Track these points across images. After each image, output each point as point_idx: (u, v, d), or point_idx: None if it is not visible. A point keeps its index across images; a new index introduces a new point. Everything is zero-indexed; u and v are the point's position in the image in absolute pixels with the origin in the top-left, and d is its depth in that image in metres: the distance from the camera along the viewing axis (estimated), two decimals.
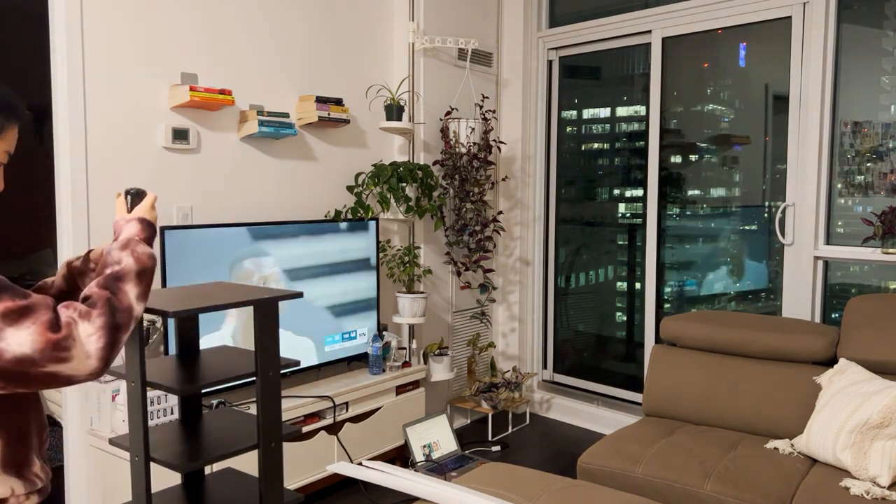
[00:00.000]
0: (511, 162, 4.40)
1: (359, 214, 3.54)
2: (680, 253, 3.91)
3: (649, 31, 3.92)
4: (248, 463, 2.76)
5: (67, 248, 2.70)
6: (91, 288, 1.13)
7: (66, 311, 1.06)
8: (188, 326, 1.72)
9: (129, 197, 1.39)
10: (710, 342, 3.05)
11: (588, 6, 4.20)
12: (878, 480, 2.29)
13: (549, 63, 4.41)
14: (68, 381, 1.05)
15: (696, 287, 3.88)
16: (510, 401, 4.03)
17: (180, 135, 2.96)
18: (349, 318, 3.42)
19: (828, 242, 3.34)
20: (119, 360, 2.75)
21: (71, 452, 2.76)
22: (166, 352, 2.81)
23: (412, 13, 3.83)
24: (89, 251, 1.43)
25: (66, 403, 2.76)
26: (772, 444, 2.67)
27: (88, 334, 1.05)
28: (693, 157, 3.83)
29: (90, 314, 1.07)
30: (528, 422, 4.29)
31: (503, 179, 4.29)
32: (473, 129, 3.81)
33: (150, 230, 1.29)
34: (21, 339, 1.00)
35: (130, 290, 1.14)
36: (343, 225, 3.38)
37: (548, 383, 4.52)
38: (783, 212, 3.46)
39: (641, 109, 4.05)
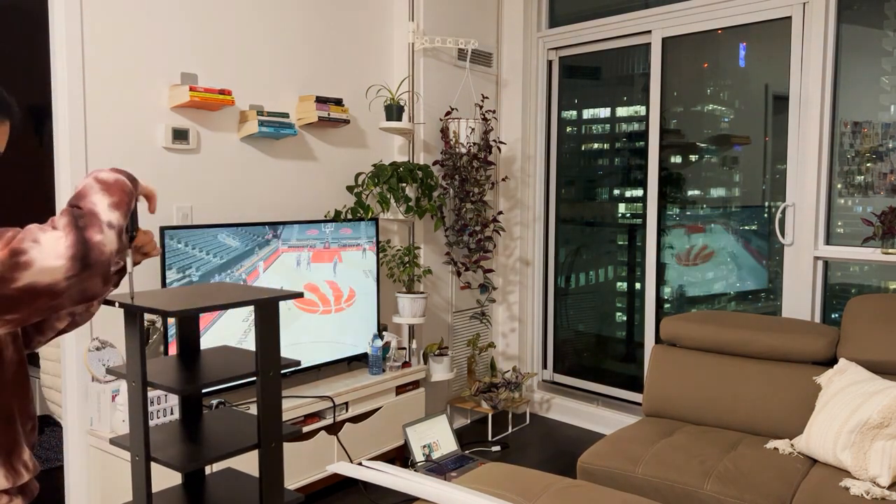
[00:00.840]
0: (511, 162, 4.40)
1: (359, 214, 3.54)
2: (680, 253, 3.91)
3: (649, 32, 3.92)
4: (248, 463, 2.76)
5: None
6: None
7: (33, 225, 1.03)
8: (188, 326, 1.72)
9: None
10: (710, 342, 3.05)
11: (588, 6, 4.20)
12: (878, 480, 2.29)
13: (549, 63, 4.41)
14: (51, 290, 1.00)
15: (696, 287, 3.88)
16: (510, 401, 4.03)
17: (180, 135, 2.96)
18: (349, 317, 3.42)
19: (828, 242, 3.34)
20: (119, 360, 2.75)
21: (71, 452, 2.76)
22: (166, 352, 2.81)
23: (412, 13, 3.83)
24: None
25: (66, 403, 2.76)
26: (772, 444, 2.67)
27: (53, 238, 1.00)
28: (693, 158, 3.83)
29: (54, 221, 1.03)
30: (528, 422, 4.29)
31: (503, 179, 4.29)
32: (473, 130, 3.81)
33: (118, 170, 1.20)
34: None
35: (98, 200, 1.08)
36: (343, 225, 3.38)
37: (548, 383, 4.52)
38: (783, 212, 3.46)
39: (641, 109, 4.05)
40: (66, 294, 1.02)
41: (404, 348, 3.66)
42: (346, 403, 3.23)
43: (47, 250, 0.99)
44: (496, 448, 3.83)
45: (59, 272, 0.99)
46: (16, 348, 1.21)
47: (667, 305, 3.99)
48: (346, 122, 3.46)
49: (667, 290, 3.99)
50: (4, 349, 1.18)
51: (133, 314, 1.44)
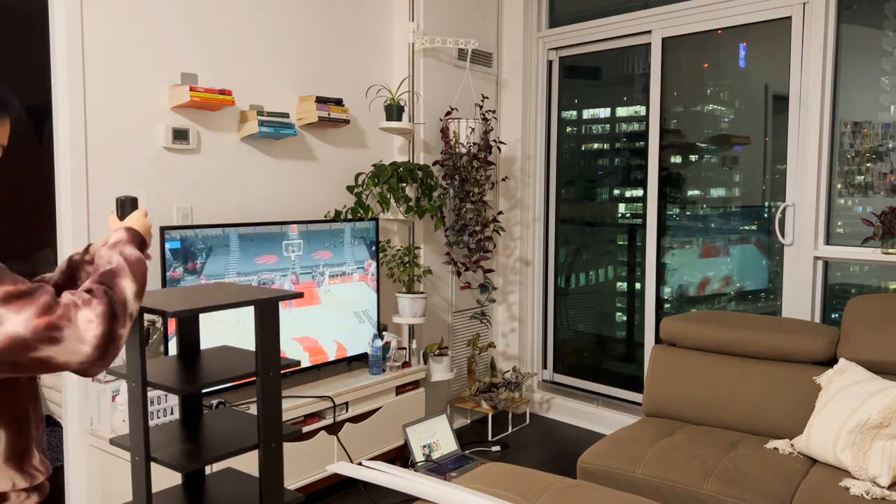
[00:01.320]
0: (511, 162, 4.40)
1: (359, 214, 3.54)
2: (680, 253, 3.91)
3: (649, 32, 3.92)
4: (248, 463, 2.76)
5: (67, 248, 2.70)
6: (89, 283, 1.14)
7: (68, 295, 1.06)
8: (189, 326, 1.72)
9: (119, 204, 1.40)
10: (710, 342, 3.05)
11: (588, 6, 4.20)
12: (877, 480, 2.29)
13: (549, 63, 4.41)
14: (62, 368, 1.04)
15: (696, 287, 3.88)
16: (510, 401, 4.03)
17: (180, 135, 2.96)
18: (350, 317, 3.42)
19: (828, 242, 3.34)
20: (119, 360, 2.75)
21: (71, 452, 2.76)
22: (166, 352, 2.81)
23: (412, 13, 3.83)
24: (89, 244, 1.44)
25: (66, 403, 2.76)
26: (772, 444, 2.67)
27: (87, 320, 1.05)
28: (693, 158, 3.83)
29: (91, 301, 1.07)
30: (528, 422, 4.29)
31: (503, 179, 4.29)
32: (473, 130, 3.81)
33: (137, 238, 1.29)
34: (16, 321, 1.00)
35: (127, 287, 1.14)
36: (343, 225, 3.38)
37: (548, 383, 4.52)
38: (783, 212, 3.46)
39: (641, 109, 4.05)
40: (69, 370, 1.06)
41: (404, 348, 3.66)
42: (346, 403, 3.24)
43: (79, 334, 1.04)
44: (496, 448, 3.83)
45: (78, 356, 1.04)
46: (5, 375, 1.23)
47: (667, 305, 3.99)
48: (347, 122, 3.46)
49: (667, 290, 3.99)
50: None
51: None
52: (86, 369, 1.07)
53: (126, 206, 1.40)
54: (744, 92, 3.63)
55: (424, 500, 2.06)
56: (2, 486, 1.15)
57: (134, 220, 1.35)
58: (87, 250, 1.43)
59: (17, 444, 1.18)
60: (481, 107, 4.10)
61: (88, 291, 1.10)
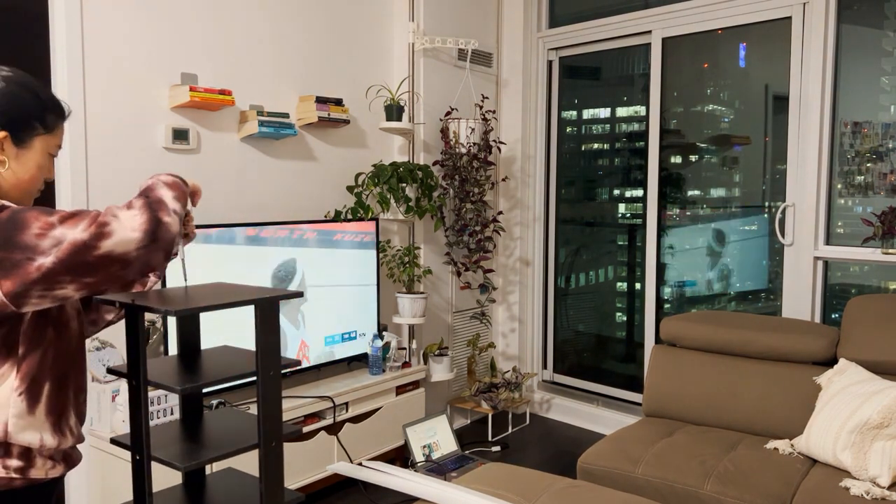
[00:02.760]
0: (511, 162, 4.40)
1: (359, 215, 3.54)
2: (680, 253, 3.91)
3: (649, 32, 3.92)
4: (248, 463, 2.76)
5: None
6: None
7: (111, 205, 1.21)
8: (189, 326, 1.72)
9: None
10: (710, 342, 3.05)
11: (588, 6, 4.20)
12: (878, 481, 2.29)
13: (549, 63, 4.41)
14: (124, 259, 1.16)
15: (696, 287, 3.88)
16: (510, 401, 4.03)
17: (180, 135, 2.96)
18: (349, 318, 3.42)
19: (828, 243, 3.34)
20: (119, 360, 2.75)
21: None
22: (166, 352, 2.81)
23: (412, 13, 3.83)
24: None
25: None
26: (772, 444, 2.67)
27: (130, 215, 1.18)
28: (693, 158, 3.83)
29: (131, 203, 1.20)
30: (528, 422, 4.29)
31: (503, 180, 4.29)
32: (473, 130, 3.81)
33: (177, 176, 1.37)
34: (74, 231, 1.15)
35: (164, 193, 1.26)
36: (343, 225, 3.38)
37: (548, 383, 4.52)
38: (783, 212, 3.46)
39: (641, 110, 4.05)
40: (134, 264, 1.19)
41: (404, 348, 3.66)
42: (346, 403, 3.23)
43: (126, 223, 1.17)
44: (496, 448, 3.83)
45: (132, 243, 1.17)
46: (79, 322, 1.38)
47: (667, 305, 3.99)
48: (347, 122, 3.46)
49: (667, 290, 3.99)
50: (71, 321, 1.36)
51: (133, 313, 1.44)
52: (143, 256, 1.18)
53: None
54: (744, 92, 3.63)
55: (424, 500, 2.06)
56: (30, 438, 1.27)
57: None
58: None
59: (57, 399, 1.31)
60: (481, 107, 4.10)
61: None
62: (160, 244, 1.20)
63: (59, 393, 1.32)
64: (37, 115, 1.32)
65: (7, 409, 1.25)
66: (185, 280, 1.56)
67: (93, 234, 1.15)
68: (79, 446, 2.75)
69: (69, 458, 1.37)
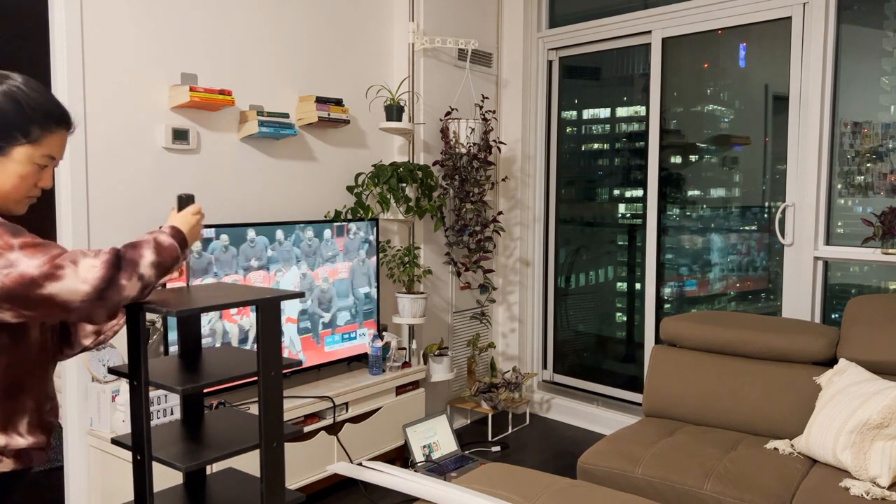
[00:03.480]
0: (511, 162, 4.40)
1: (359, 215, 3.54)
2: (680, 253, 3.91)
3: (649, 32, 3.92)
4: (249, 463, 2.76)
5: (67, 248, 2.70)
6: None
7: (80, 249, 1.22)
8: (189, 326, 1.72)
9: (178, 200, 1.53)
10: (710, 342, 3.05)
11: (588, 6, 4.20)
12: (878, 481, 2.29)
13: (549, 63, 4.41)
14: (65, 306, 1.17)
15: (695, 287, 3.88)
16: (510, 401, 4.03)
17: (180, 135, 2.96)
18: (349, 318, 3.42)
19: (828, 243, 3.34)
20: (119, 360, 2.75)
21: (71, 452, 2.76)
22: (166, 352, 2.81)
23: (412, 13, 3.83)
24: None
25: (66, 404, 2.76)
26: (772, 444, 2.67)
27: (90, 265, 1.19)
28: (693, 158, 3.83)
29: (98, 253, 1.21)
30: (527, 422, 4.29)
31: (503, 180, 4.29)
32: (473, 130, 3.81)
33: (177, 234, 1.40)
34: (28, 264, 1.16)
35: (145, 254, 1.28)
36: (343, 225, 3.38)
37: (548, 384, 4.52)
38: (783, 212, 3.46)
39: (641, 110, 4.05)
40: (74, 313, 1.19)
41: (404, 348, 3.66)
42: (346, 404, 3.23)
43: (80, 272, 1.18)
44: (496, 448, 3.83)
45: (77, 294, 1.17)
46: (42, 332, 1.37)
47: (667, 305, 3.99)
48: (346, 122, 3.46)
49: (667, 290, 3.99)
50: (31, 329, 1.34)
51: (134, 313, 1.44)
52: (87, 309, 1.19)
53: (182, 202, 1.53)
54: (744, 92, 3.63)
55: (424, 500, 2.06)
56: None
57: (178, 218, 1.48)
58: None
59: (5, 406, 1.30)
60: (481, 107, 4.11)
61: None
62: (106, 303, 1.21)
63: (10, 401, 1.31)
64: (18, 125, 1.32)
65: None
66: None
67: (43, 273, 1.15)
68: (79, 446, 2.75)
69: (21, 456, 1.35)
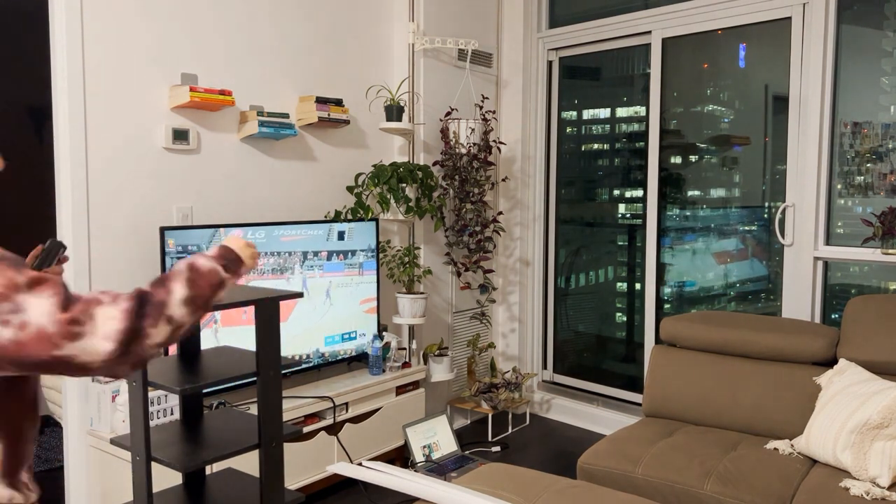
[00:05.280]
0: (511, 162, 4.40)
1: (359, 215, 3.54)
2: (680, 253, 3.91)
3: (649, 32, 3.92)
4: (248, 463, 2.76)
5: (67, 248, 2.70)
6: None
7: (96, 293, 1.04)
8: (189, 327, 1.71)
9: (44, 251, 1.34)
10: (710, 342, 3.05)
11: (588, 6, 4.20)
12: (878, 481, 2.29)
13: (549, 63, 4.41)
14: (82, 368, 1.01)
15: (695, 287, 3.88)
16: (510, 401, 4.03)
17: (180, 135, 2.96)
18: (349, 318, 3.42)
19: (827, 243, 3.34)
20: None
21: (71, 453, 2.76)
22: (166, 352, 2.81)
23: (412, 14, 3.83)
24: None
25: (66, 404, 2.76)
26: (772, 444, 2.67)
27: (109, 317, 1.01)
28: (693, 158, 3.83)
29: (118, 299, 1.03)
30: (528, 422, 4.29)
31: (503, 180, 4.29)
32: (473, 130, 3.81)
33: (227, 253, 1.24)
34: (42, 308, 0.98)
35: (175, 289, 1.10)
36: (343, 225, 3.38)
37: (548, 384, 4.52)
38: (783, 212, 3.46)
39: (641, 110, 4.05)
40: (94, 373, 1.03)
41: (404, 349, 3.66)
42: (347, 404, 3.23)
43: (99, 329, 1.00)
44: (496, 448, 3.83)
45: (99, 355, 1.00)
46: (22, 373, 1.19)
47: (667, 306, 3.99)
48: (347, 122, 3.46)
49: (667, 291, 3.99)
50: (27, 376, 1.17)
51: None
52: (109, 369, 1.03)
53: (47, 253, 1.33)
54: (744, 92, 3.63)
55: (424, 500, 2.06)
56: (3, 495, 1.12)
57: (232, 240, 1.30)
58: None
59: (11, 458, 1.14)
60: (481, 107, 4.10)
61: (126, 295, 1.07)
62: (130, 359, 1.03)
63: (14, 451, 1.15)
64: None
65: None
66: None
67: (59, 332, 0.98)
68: (79, 446, 2.75)
69: None
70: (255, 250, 1.32)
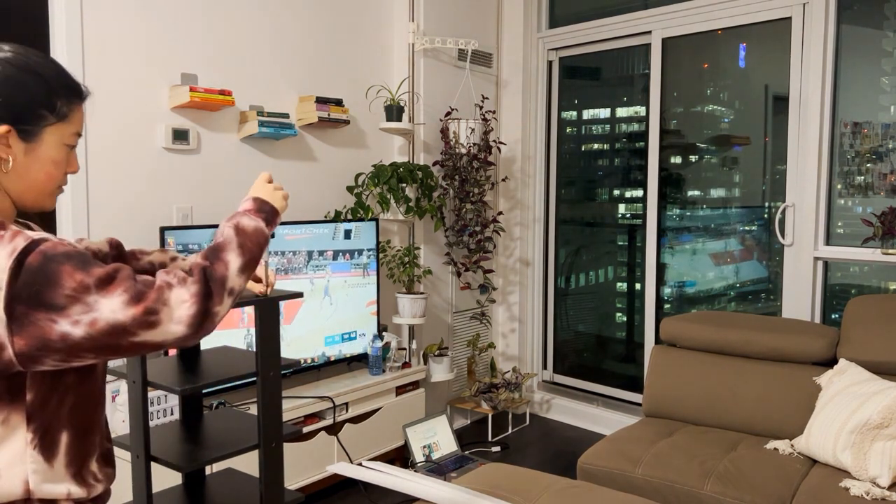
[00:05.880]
0: (511, 162, 4.40)
1: (359, 215, 3.54)
2: (680, 253, 3.91)
3: (649, 32, 3.92)
4: (248, 463, 2.76)
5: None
6: (193, 258, 1.14)
7: (163, 276, 1.05)
8: None
9: None
10: (709, 342, 3.05)
11: (588, 6, 4.20)
12: (878, 481, 2.29)
13: (549, 63, 4.41)
14: (157, 347, 1.04)
15: (695, 287, 3.88)
16: (510, 401, 4.03)
17: (180, 135, 2.96)
18: (349, 318, 3.42)
19: (827, 243, 3.34)
20: (119, 360, 2.75)
21: None
22: (166, 352, 2.81)
23: (412, 14, 3.83)
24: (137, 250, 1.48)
25: None
26: (772, 444, 2.67)
27: (182, 301, 1.03)
28: (693, 158, 3.83)
29: (186, 281, 1.05)
30: (527, 422, 4.28)
31: (503, 180, 4.29)
32: (473, 130, 3.81)
33: (264, 207, 1.24)
34: (113, 306, 0.99)
35: (231, 261, 1.12)
36: (343, 225, 3.38)
37: (548, 384, 4.52)
38: (783, 212, 3.46)
39: (641, 110, 4.05)
40: (166, 348, 1.06)
41: (404, 349, 3.66)
42: (346, 404, 3.23)
43: (174, 313, 1.03)
44: (496, 448, 3.83)
45: (173, 336, 1.03)
46: (104, 362, 1.22)
47: (667, 306, 3.99)
48: (346, 122, 3.46)
49: (667, 291, 3.99)
50: (96, 364, 1.18)
51: None
52: (179, 345, 1.07)
53: None
54: (744, 92, 3.63)
55: (424, 500, 2.06)
56: (57, 490, 1.11)
57: (260, 187, 1.30)
58: (132, 253, 1.47)
59: (78, 449, 1.14)
60: (481, 107, 4.10)
61: (188, 271, 1.08)
62: (200, 335, 1.07)
63: (82, 441, 1.15)
64: (43, 101, 1.11)
65: (24, 464, 1.08)
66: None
67: (135, 321, 1.00)
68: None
69: (99, 500, 1.20)
70: (284, 191, 1.32)
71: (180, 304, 1.03)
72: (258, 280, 1.58)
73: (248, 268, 1.14)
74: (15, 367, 1.01)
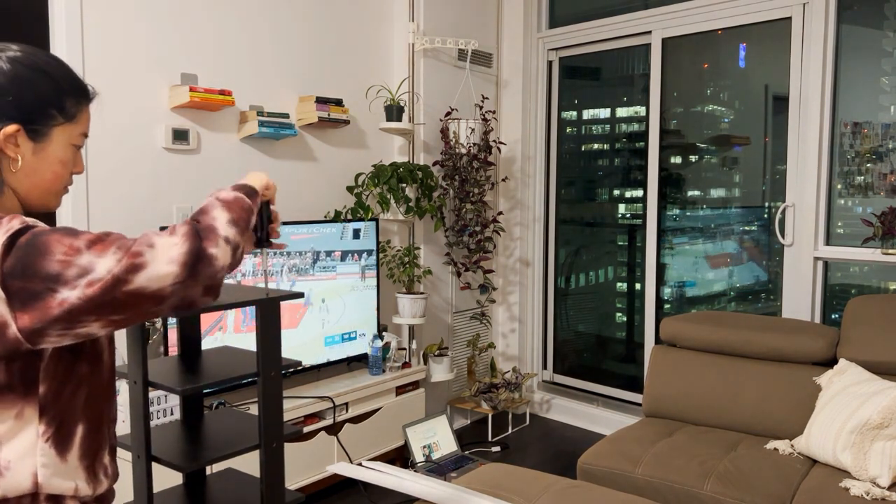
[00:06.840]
0: (511, 162, 4.40)
1: (359, 215, 3.54)
2: (680, 253, 3.91)
3: (649, 32, 3.92)
4: (249, 463, 2.76)
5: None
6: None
7: (147, 232, 1.06)
8: (190, 326, 1.72)
9: None
10: (709, 342, 3.05)
11: (588, 6, 4.20)
12: (878, 481, 2.29)
13: (549, 63, 4.41)
14: (157, 296, 1.02)
15: (696, 287, 3.88)
16: (510, 401, 4.03)
17: (180, 135, 2.96)
18: (349, 318, 3.42)
19: (828, 243, 3.34)
20: (120, 360, 2.75)
21: None
22: (166, 352, 2.81)
23: (412, 14, 3.83)
24: None
25: None
26: (772, 444, 2.67)
27: (169, 243, 1.02)
28: (693, 158, 3.83)
29: (173, 229, 1.05)
30: (527, 422, 4.29)
31: (503, 180, 4.29)
32: (473, 130, 3.81)
33: (244, 188, 1.24)
34: (109, 265, 0.99)
35: (217, 216, 1.11)
36: (343, 225, 3.38)
37: (548, 384, 4.52)
38: (783, 212, 3.46)
39: (641, 110, 4.05)
40: (169, 300, 1.03)
41: (404, 349, 3.66)
42: (347, 404, 3.23)
43: (162, 254, 1.01)
44: (496, 448, 3.83)
45: (168, 278, 1.01)
46: (111, 351, 1.22)
47: (667, 306, 3.99)
48: (346, 122, 3.46)
49: (667, 291, 3.99)
50: (103, 352, 1.19)
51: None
52: (183, 294, 1.04)
53: None
54: (744, 92, 3.63)
55: (424, 500, 2.06)
56: (64, 485, 1.10)
57: (249, 176, 1.31)
58: None
59: (92, 441, 1.15)
60: (481, 107, 4.11)
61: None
62: (200, 279, 1.04)
63: (96, 434, 1.16)
64: (53, 101, 1.13)
65: (34, 458, 1.08)
66: (267, 296, 1.48)
67: (124, 267, 0.99)
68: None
69: (103, 500, 1.20)
70: (270, 181, 1.33)
71: (168, 246, 1.02)
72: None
73: (238, 225, 1.13)
74: (23, 345, 1.01)
